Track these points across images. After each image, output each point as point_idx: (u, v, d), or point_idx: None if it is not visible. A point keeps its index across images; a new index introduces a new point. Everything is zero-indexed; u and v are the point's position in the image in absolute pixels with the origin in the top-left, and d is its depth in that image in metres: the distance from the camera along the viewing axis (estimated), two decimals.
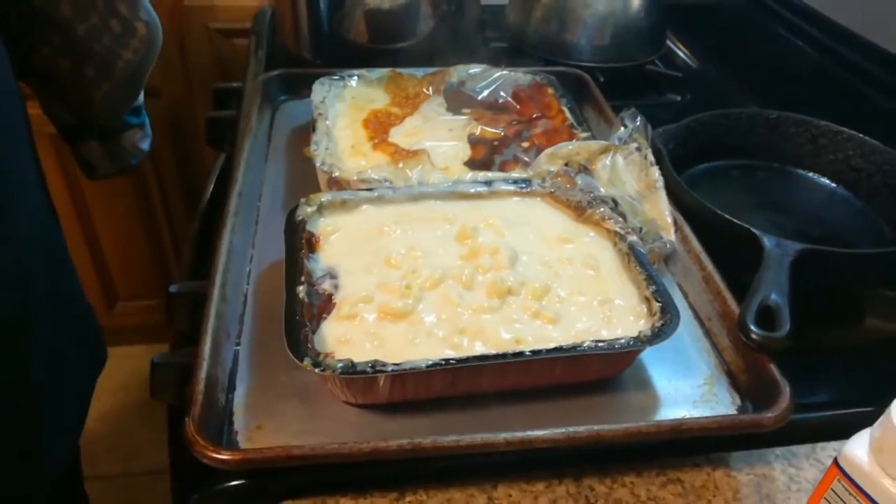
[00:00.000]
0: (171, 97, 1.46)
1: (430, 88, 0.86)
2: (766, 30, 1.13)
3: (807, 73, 1.03)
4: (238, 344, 0.59)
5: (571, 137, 0.79)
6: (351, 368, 0.49)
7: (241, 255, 0.66)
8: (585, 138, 0.78)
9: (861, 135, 0.80)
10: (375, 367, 0.49)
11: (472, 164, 0.76)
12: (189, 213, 1.53)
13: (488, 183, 0.69)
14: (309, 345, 0.50)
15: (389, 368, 0.49)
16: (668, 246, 0.67)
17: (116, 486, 1.47)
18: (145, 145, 0.86)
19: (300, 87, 0.90)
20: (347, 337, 0.54)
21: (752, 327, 0.55)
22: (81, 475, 0.88)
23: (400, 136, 0.79)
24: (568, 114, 0.83)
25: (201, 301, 0.58)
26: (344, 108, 0.82)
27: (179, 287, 0.65)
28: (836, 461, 0.43)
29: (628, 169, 0.73)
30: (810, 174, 0.84)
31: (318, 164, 0.70)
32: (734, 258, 0.64)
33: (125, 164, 0.83)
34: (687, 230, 0.68)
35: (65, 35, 0.67)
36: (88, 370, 0.73)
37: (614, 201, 0.67)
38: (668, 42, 1.19)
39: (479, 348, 0.53)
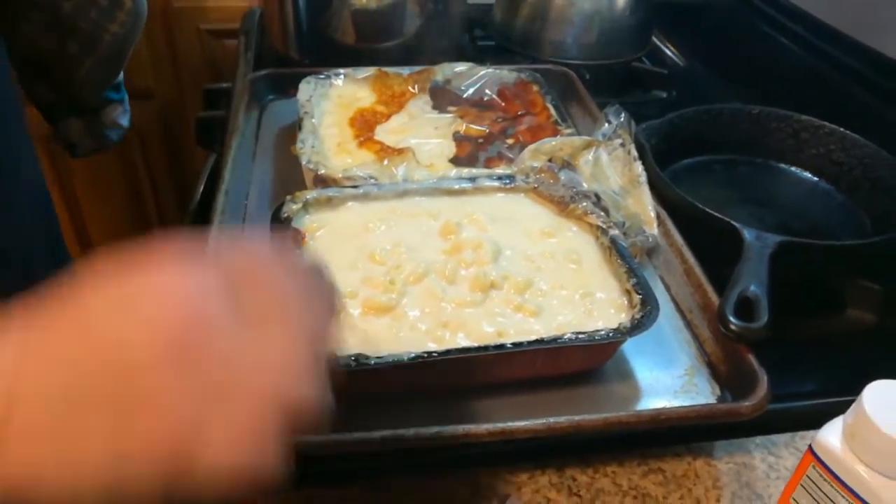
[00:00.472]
0: (162, 98, 1.46)
1: (416, 87, 0.87)
2: (752, 28, 1.14)
3: (792, 71, 1.04)
4: None
5: (556, 134, 0.79)
6: (334, 361, 0.49)
7: None
8: (569, 134, 0.79)
9: (842, 129, 0.81)
10: (359, 360, 0.50)
11: (457, 161, 0.76)
12: (181, 214, 1.54)
13: (472, 179, 0.70)
14: None
15: (372, 361, 0.50)
16: (650, 240, 0.68)
17: None
18: (125, 121, 0.86)
19: (288, 87, 0.90)
20: None
21: (731, 318, 0.56)
22: None
23: (386, 134, 0.79)
24: (552, 111, 0.84)
25: None
26: (330, 106, 0.83)
27: None
28: (810, 448, 0.44)
29: (612, 164, 0.74)
30: (792, 168, 0.84)
31: (304, 162, 0.71)
32: (716, 251, 0.65)
33: (106, 140, 0.84)
34: (669, 224, 0.69)
35: (48, 12, 0.67)
36: None
37: (597, 196, 0.67)
38: (655, 40, 1.20)
39: (461, 341, 0.54)
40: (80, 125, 0.81)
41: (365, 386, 0.52)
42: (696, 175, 0.83)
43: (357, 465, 0.52)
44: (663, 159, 0.77)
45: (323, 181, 0.70)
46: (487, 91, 0.88)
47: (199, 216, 0.82)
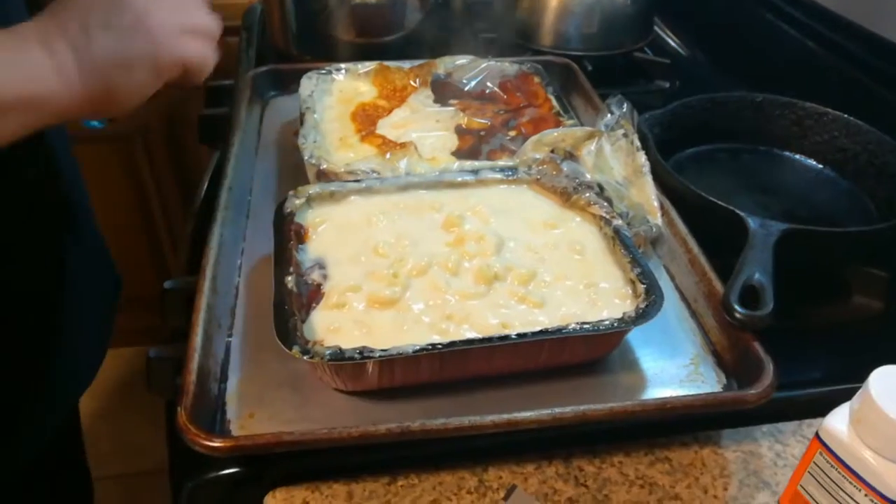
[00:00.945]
0: (165, 96, 1.46)
1: (418, 80, 0.87)
2: (754, 16, 1.13)
3: (795, 59, 1.03)
4: (230, 335, 0.59)
5: (558, 125, 0.79)
6: (339, 355, 0.50)
7: (231, 249, 0.66)
8: (571, 125, 0.79)
9: (846, 116, 0.80)
10: (363, 353, 0.50)
11: (459, 153, 0.76)
12: (187, 213, 1.54)
13: (475, 171, 0.70)
14: (298, 333, 0.51)
15: (377, 354, 0.50)
16: (654, 229, 0.68)
17: (117, 485, 1.48)
18: None
19: (289, 83, 0.90)
20: (336, 325, 0.54)
21: (736, 306, 0.56)
22: (83, 442, 0.90)
23: (387, 128, 0.79)
24: (554, 102, 0.84)
25: (194, 295, 0.58)
26: (332, 101, 0.83)
27: (174, 283, 0.66)
28: (817, 435, 0.44)
29: (615, 155, 0.74)
30: (797, 156, 0.84)
31: (306, 157, 0.71)
32: (720, 240, 0.64)
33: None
34: (673, 214, 0.69)
35: None
36: (107, 291, 0.80)
37: (600, 186, 0.67)
38: (657, 29, 1.20)
39: (466, 334, 0.54)
40: None
41: (370, 379, 0.52)
42: (700, 164, 0.83)
43: (363, 457, 0.52)
44: (666, 149, 0.77)
45: (325, 176, 0.70)
46: (489, 83, 0.88)
47: (204, 215, 0.82)
